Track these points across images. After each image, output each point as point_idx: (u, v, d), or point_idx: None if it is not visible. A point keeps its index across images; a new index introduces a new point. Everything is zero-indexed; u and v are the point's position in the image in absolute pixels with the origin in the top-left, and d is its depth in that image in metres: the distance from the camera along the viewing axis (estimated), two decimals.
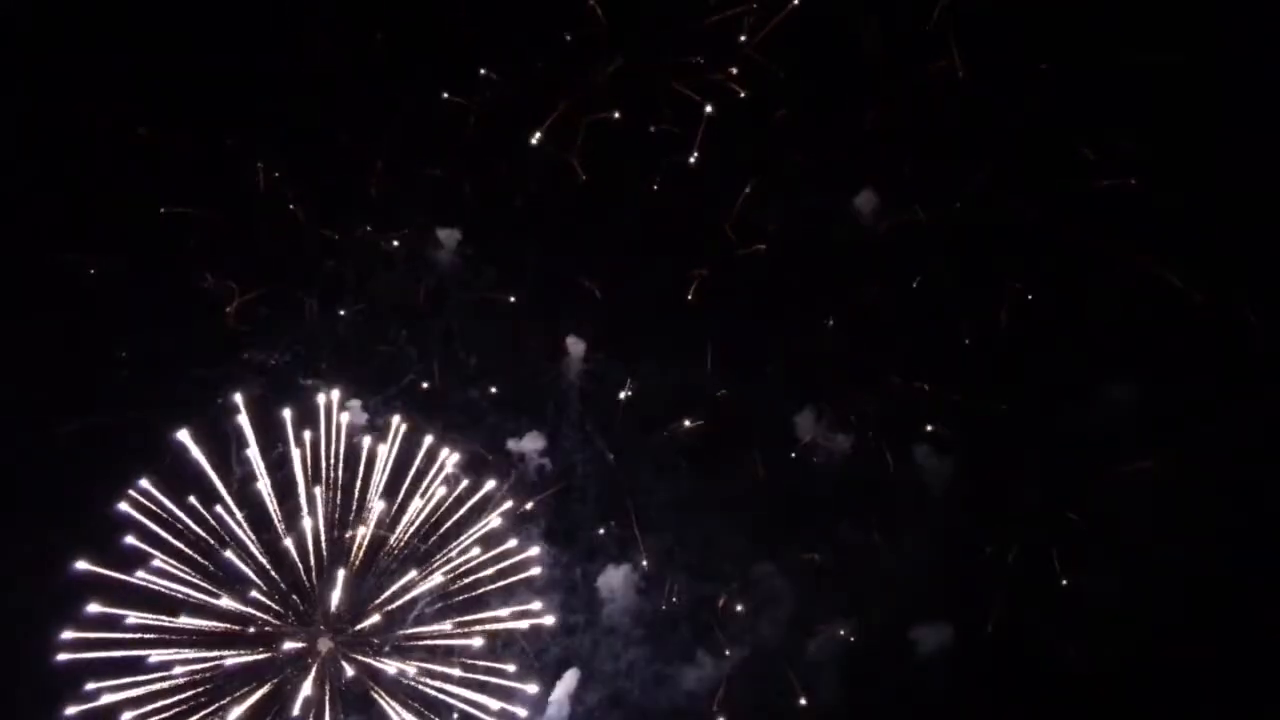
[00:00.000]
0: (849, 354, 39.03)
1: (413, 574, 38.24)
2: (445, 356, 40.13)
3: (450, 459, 38.83)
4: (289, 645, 38.23)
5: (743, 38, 38.55)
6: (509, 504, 39.01)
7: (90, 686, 37.26)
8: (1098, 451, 37.37)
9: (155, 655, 37.83)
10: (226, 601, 37.94)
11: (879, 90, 37.89)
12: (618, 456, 39.86)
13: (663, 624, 38.95)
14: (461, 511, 38.88)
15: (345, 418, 39.03)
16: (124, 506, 37.77)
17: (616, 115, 39.54)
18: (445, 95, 40.33)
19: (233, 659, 38.14)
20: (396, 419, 39.02)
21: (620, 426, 39.97)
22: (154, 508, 37.94)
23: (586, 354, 40.43)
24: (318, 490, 38.32)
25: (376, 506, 38.50)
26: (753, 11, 38.19)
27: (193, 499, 37.94)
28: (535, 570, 38.76)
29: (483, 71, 40.44)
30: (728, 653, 39.00)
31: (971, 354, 38.23)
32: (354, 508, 38.68)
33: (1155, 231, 36.26)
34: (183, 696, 38.07)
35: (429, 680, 38.05)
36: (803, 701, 38.33)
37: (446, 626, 38.37)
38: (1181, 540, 36.09)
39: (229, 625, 38.30)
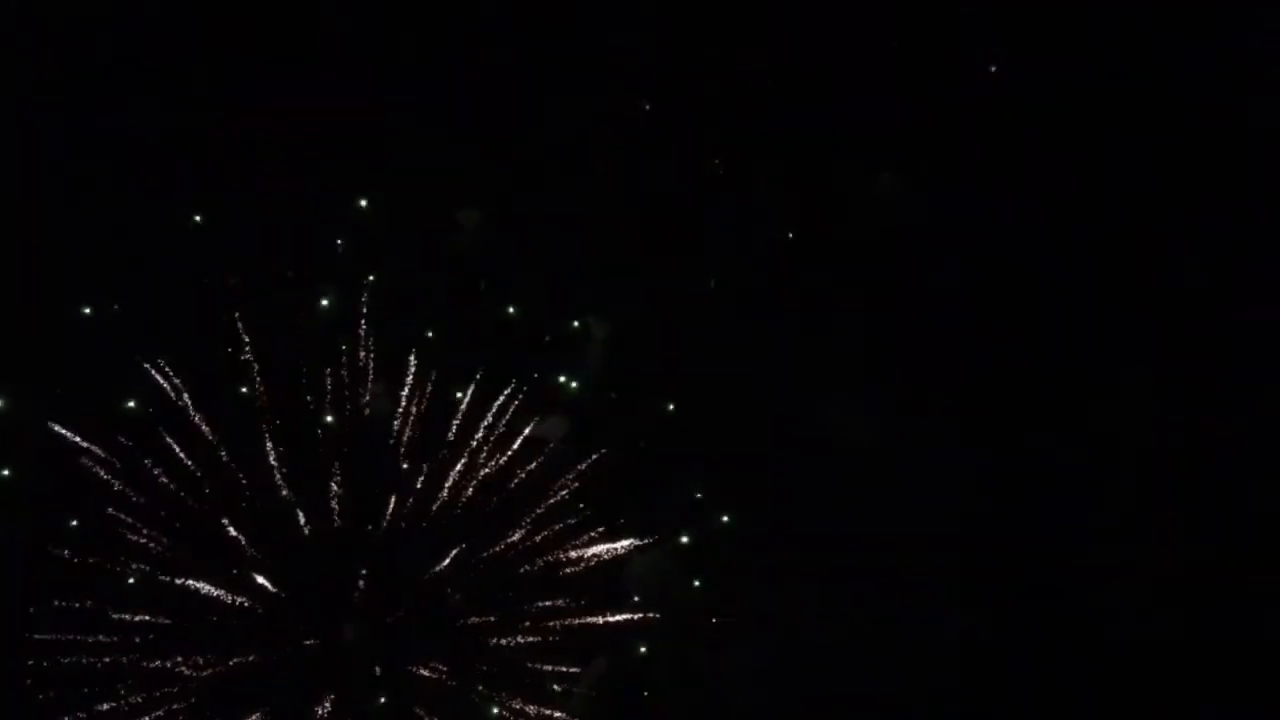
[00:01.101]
0: (872, 344, 39.52)
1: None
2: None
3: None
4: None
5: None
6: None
7: None
8: (1124, 442, 38.28)
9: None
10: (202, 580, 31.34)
11: (903, 79, 39.60)
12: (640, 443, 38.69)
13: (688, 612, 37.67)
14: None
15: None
16: None
17: (647, 108, 39.92)
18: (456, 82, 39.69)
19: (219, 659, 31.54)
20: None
21: (639, 413, 38.94)
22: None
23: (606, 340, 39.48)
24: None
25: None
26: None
27: None
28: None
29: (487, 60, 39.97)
30: (749, 642, 37.83)
31: (994, 344, 39.10)
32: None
33: (1172, 225, 38.51)
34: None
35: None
36: (823, 688, 37.43)
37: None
38: (1206, 530, 37.04)
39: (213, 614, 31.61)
